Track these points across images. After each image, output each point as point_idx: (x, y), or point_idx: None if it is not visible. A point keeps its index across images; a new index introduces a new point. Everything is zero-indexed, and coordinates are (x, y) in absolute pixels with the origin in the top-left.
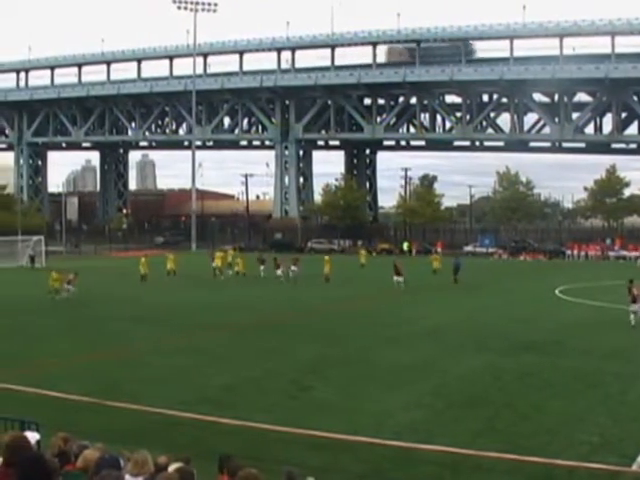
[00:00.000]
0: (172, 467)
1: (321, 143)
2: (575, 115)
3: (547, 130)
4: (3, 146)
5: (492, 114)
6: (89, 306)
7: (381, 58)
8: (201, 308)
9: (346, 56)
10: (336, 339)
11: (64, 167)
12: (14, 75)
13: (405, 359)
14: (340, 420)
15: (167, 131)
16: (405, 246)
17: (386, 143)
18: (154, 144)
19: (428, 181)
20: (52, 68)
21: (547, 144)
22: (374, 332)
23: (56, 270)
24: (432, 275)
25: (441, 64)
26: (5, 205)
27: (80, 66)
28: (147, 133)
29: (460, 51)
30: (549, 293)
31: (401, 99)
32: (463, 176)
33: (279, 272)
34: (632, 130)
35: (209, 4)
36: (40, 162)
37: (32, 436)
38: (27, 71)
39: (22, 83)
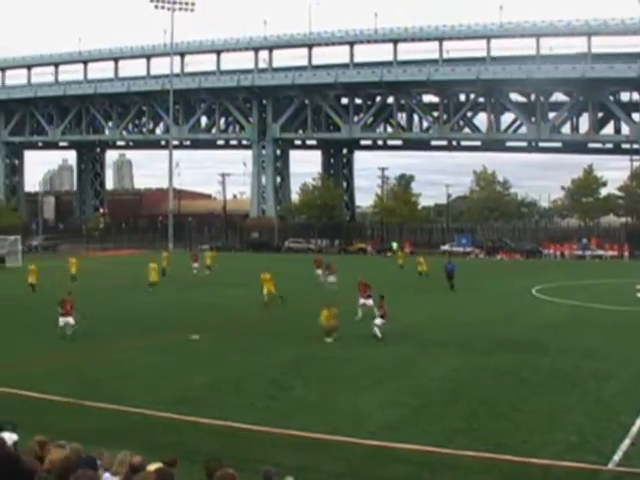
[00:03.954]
0: (151, 467)
1: (298, 143)
2: (552, 115)
3: (524, 130)
4: None
5: (469, 114)
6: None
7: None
8: (180, 309)
9: (324, 56)
10: (314, 339)
11: (41, 166)
12: None
13: (384, 358)
14: (318, 420)
15: (144, 130)
16: (394, 246)
17: (363, 143)
18: (131, 144)
19: (405, 181)
20: (29, 67)
21: (524, 144)
22: (352, 331)
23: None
24: (406, 274)
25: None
26: None
27: (57, 65)
28: (124, 132)
29: None
30: (526, 292)
31: (378, 99)
32: (440, 175)
33: (196, 265)
34: (608, 130)
35: (187, 3)
36: (17, 161)
37: (9, 437)
38: (4, 70)
39: None
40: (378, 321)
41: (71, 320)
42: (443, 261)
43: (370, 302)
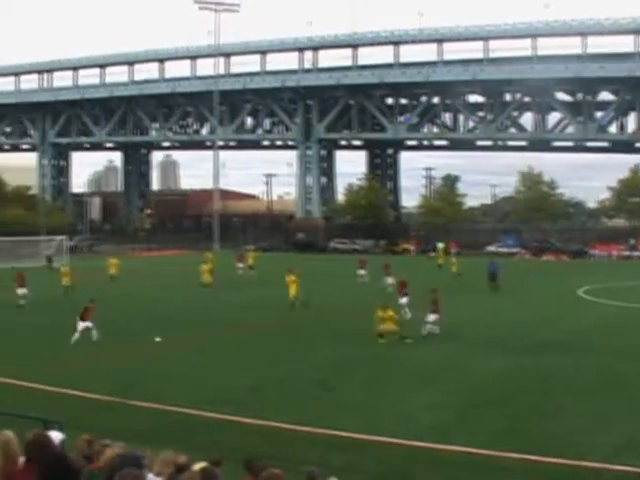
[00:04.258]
0: (196, 467)
1: (344, 143)
2: (598, 114)
3: (570, 129)
4: (27, 147)
5: (515, 113)
6: (109, 306)
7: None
8: (224, 309)
9: (369, 56)
10: (357, 339)
11: (87, 167)
12: (37, 76)
13: (427, 359)
14: (362, 420)
15: (189, 131)
16: (440, 246)
17: (409, 143)
18: (177, 144)
19: (450, 181)
20: (75, 69)
21: (570, 143)
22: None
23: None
24: (454, 275)
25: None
26: (29, 205)
27: (103, 67)
28: (170, 133)
29: None
30: (572, 293)
31: (423, 99)
32: (486, 176)
33: (240, 265)
34: None
35: (231, 4)
36: (63, 162)
37: (56, 435)
38: (50, 72)
39: (45, 84)
40: (431, 317)
41: (89, 324)
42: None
43: (404, 300)
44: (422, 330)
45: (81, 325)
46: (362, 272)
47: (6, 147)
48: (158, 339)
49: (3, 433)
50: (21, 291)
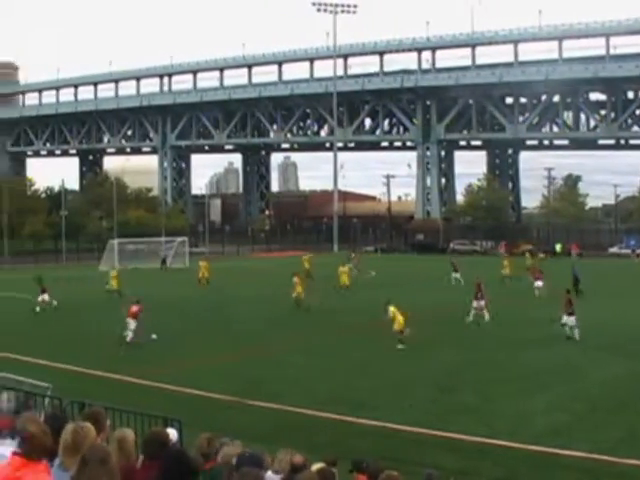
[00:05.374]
0: (314, 467)
1: (463, 143)
2: None
3: None
4: (148, 149)
5: (638, 111)
6: (229, 306)
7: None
8: (337, 311)
9: (487, 55)
10: (474, 342)
11: (207, 169)
12: (158, 80)
13: (545, 362)
14: (479, 423)
15: (308, 133)
16: (558, 248)
17: (529, 143)
18: (296, 146)
19: (572, 181)
20: (194, 72)
21: None
22: (510, 335)
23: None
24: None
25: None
26: (150, 207)
27: (222, 70)
28: (289, 135)
29: None
30: None
31: (544, 97)
32: (608, 175)
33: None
34: None
35: (349, 6)
36: (184, 165)
37: (172, 433)
38: (170, 76)
39: (165, 88)
40: (569, 320)
41: (132, 324)
42: (615, 263)
43: (479, 304)
44: (568, 333)
45: (131, 324)
46: (457, 275)
47: (128, 150)
48: (154, 336)
49: (121, 430)
50: (41, 297)
